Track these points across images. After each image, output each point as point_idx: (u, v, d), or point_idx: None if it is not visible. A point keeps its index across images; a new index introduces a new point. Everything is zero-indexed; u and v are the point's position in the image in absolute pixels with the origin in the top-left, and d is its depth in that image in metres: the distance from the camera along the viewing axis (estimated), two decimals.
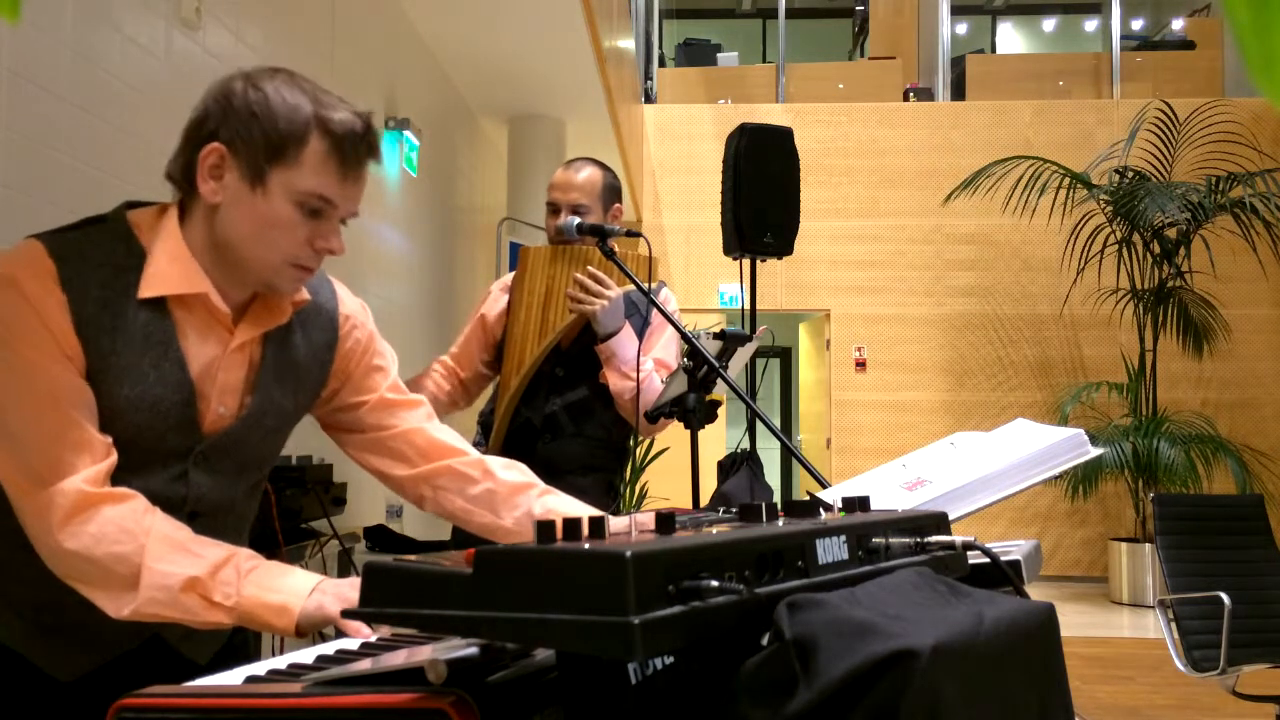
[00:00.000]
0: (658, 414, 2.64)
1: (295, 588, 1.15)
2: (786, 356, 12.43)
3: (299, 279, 1.28)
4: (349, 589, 1.13)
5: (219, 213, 1.24)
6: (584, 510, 1.44)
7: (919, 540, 0.92)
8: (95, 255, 1.22)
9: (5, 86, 2.18)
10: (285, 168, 1.21)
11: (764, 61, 11.73)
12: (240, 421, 1.32)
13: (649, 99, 9.48)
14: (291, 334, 1.36)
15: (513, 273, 2.69)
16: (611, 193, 2.65)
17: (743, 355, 2.74)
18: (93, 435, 1.18)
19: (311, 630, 1.12)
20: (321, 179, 1.22)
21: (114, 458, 1.20)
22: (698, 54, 10.08)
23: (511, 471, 1.50)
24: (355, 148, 1.24)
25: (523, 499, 1.47)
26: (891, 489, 1.33)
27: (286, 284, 1.28)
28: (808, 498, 1.04)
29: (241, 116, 1.21)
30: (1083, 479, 7.59)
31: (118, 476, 1.20)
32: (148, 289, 1.22)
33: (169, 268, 1.24)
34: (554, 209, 2.60)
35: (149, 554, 1.15)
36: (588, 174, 2.61)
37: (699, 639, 0.64)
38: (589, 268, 2.49)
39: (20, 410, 1.16)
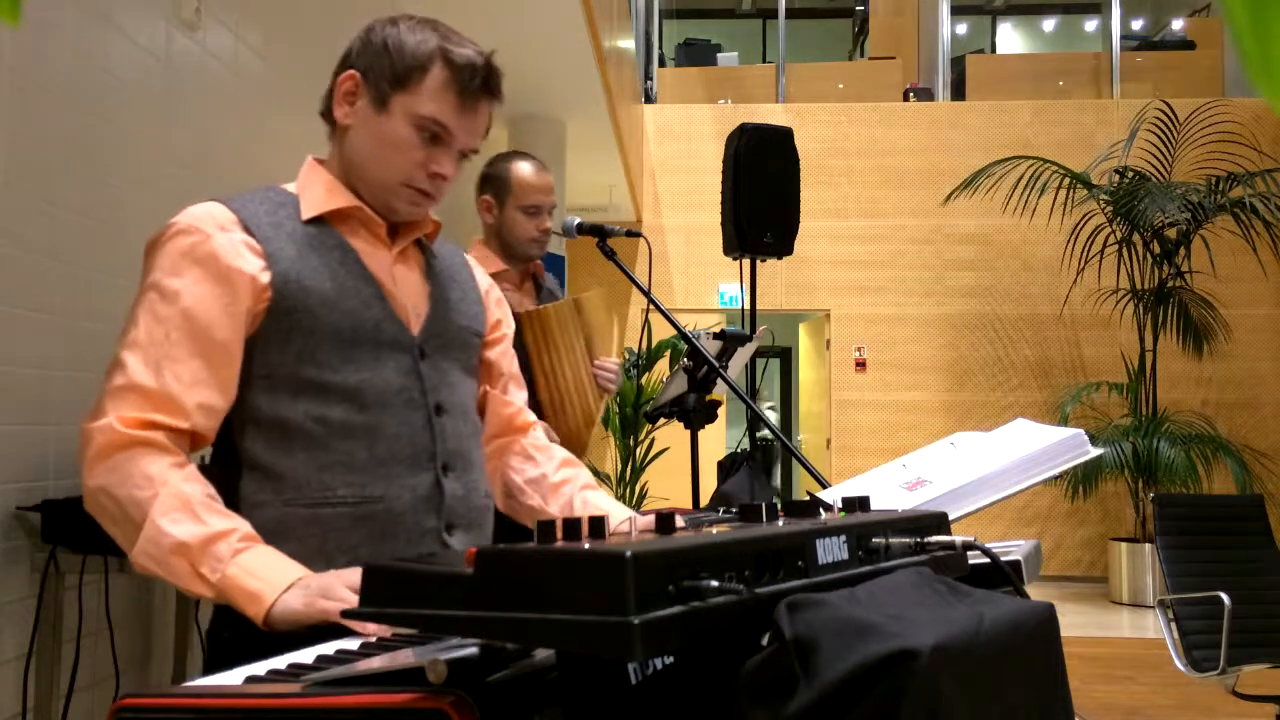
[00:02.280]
0: (658, 414, 2.64)
1: (275, 579, 1.15)
2: (786, 356, 12.43)
3: (414, 201, 1.37)
4: (333, 584, 1.12)
5: (348, 135, 1.37)
6: (620, 509, 1.48)
7: (919, 540, 0.92)
8: (258, 199, 1.35)
9: (5, 86, 2.18)
10: (407, 93, 1.33)
11: (764, 61, 11.73)
12: (435, 315, 1.41)
13: (649, 99, 9.48)
14: (442, 257, 1.49)
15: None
16: None
17: (743, 355, 2.74)
18: (177, 396, 1.22)
19: (282, 627, 1.12)
20: (439, 105, 1.33)
21: (189, 424, 1.23)
22: (698, 54, 10.08)
23: (563, 466, 1.58)
24: (473, 79, 1.34)
25: (567, 489, 1.54)
26: (891, 489, 1.34)
27: (403, 205, 1.38)
28: (808, 498, 1.04)
29: (376, 48, 1.35)
30: (1083, 479, 7.59)
31: (361, 374, 1.29)
32: (308, 211, 1.35)
33: (319, 192, 1.37)
34: (535, 211, 2.61)
35: (156, 506, 1.17)
36: (551, 174, 2.68)
37: (699, 639, 0.64)
38: (612, 361, 2.56)
39: (135, 348, 1.23)
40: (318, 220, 1.35)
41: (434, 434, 1.35)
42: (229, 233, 1.28)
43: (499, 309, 1.58)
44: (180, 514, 1.17)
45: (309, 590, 1.13)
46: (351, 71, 1.36)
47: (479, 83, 1.34)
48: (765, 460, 3.97)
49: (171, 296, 1.25)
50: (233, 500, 1.26)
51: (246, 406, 1.28)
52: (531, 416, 1.61)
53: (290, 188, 1.39)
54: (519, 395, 1.61)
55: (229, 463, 1.30)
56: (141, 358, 1.23)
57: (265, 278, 1.27)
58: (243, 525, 1.20)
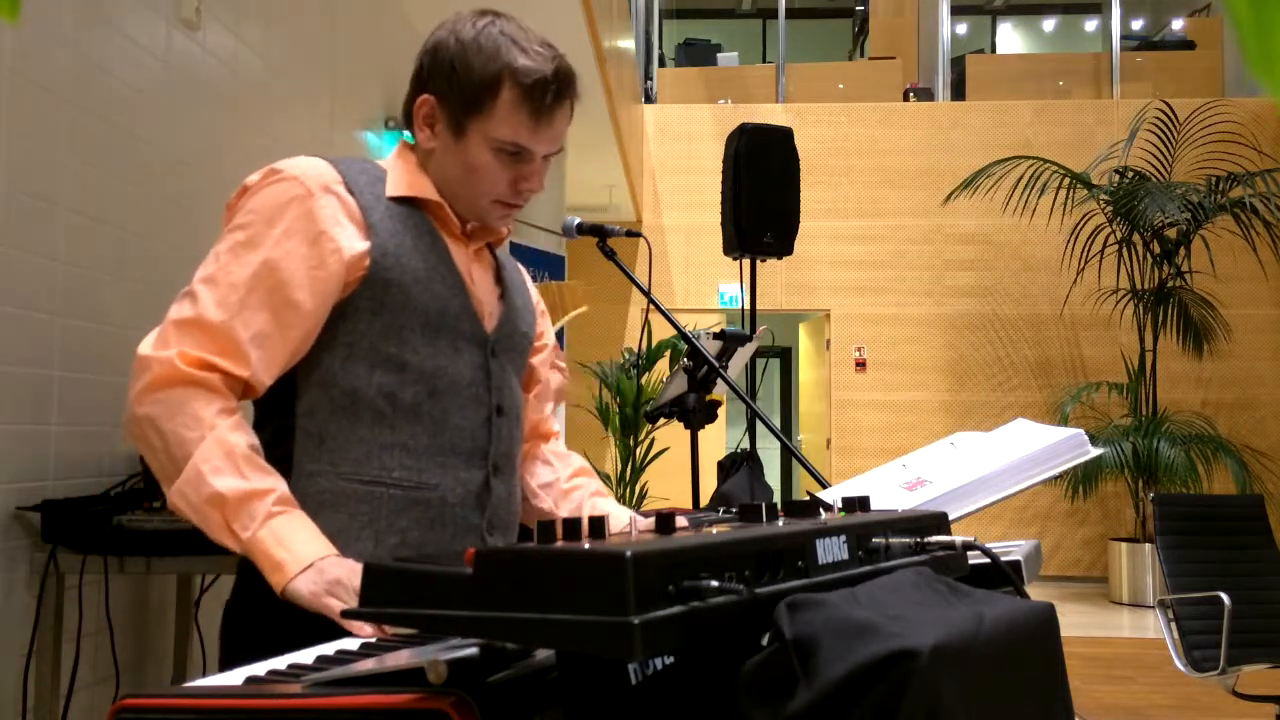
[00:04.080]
0: (658, 414, 2.64)
1: (301, 553, 1.16)
2: (786, 356, 12.42)
3: (506, 215, 1.40)
4: (347, 574, 1.13)
5: (433, 157, 1.37)
6: (627, 514, 1.48)
7: (919, 540, 0.92)
8: (357, 167, 1.35)
9: (5, 86, 2.18)
10: (481, 119, 1.31)
11: (764, 61, 11.73)
12: (505, 317, 1.42)
13: (649, 99, 9.48)
14: (505, 262, 1.51)
15: None
16: None
17: (743, 355, 2.74)
18: (242, 343, 1.22)
19: (292, 603, 1.13)
20: (514, 127, 1.31)
21: (247, 373, 1.23)
22: (698, 54, 10.08)
23: (576, 474, 1.59)
24: (544, 94, 1.31)
25: (577, 494, 1.56)
26: (891, 489, 1.33)
27: (494, 221, 1.40)
28: (808, 498, 1.04)
29: (444, 70, 1.32)
30: (1083, 479, 7.59)
31: (439, 360, 1.30)
32: (394, 190, 1.34)
33: (409, 177, 1.37)
34: None
35: (200, 450, 1.18)
36: None
37: (699, 639, 0.64)
38: None
39: (212, 284, 1.24)
40: (405, 200, 1.34)
41: (491, 433, 1.35)
42: (332, 194, 1.28)
43: (543, 320, 1.60)
44: (223, 463, 1.18)
45: (320, 578, 1.14)
46: (427, 96, 1.34)
47: (551, 95, 1.32)
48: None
49: (258, 242, 1.25)
50: (285, 465, 1.26)
51: (320, 371, 1.28)
52: (555, 425, 1.63)
53: (381, 163, 1.39)
54: (549, 405, 1.62)
55: (283, 426, 1.29)
56: (215, 296, 1.23)
57: (363, 246, 1.27)
58: (280, 486, 1.21)
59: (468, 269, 1.38)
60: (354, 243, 1.27)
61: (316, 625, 1.05)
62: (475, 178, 1.33)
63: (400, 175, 1.36)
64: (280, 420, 1.29)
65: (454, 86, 1.31)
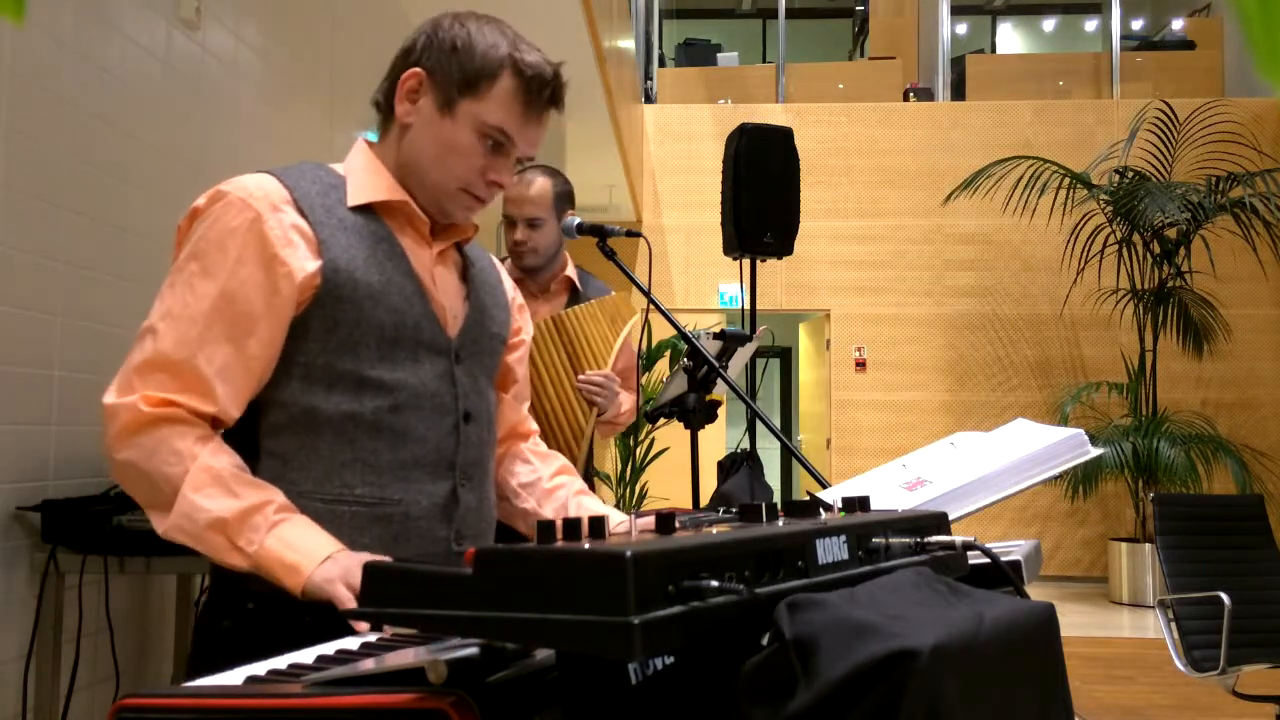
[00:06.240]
0: (658, 414, 2.64)
1: (312, 550, 1.16)
2: (786, 356, 12.43)
3: (470, 207, 1.37)
4: (359, 566, 1.13)
5: (408, 133, 1.34)
6: (615, 514, 1.47)
7: (919, 540, 0.92)
8: (309, 177, 1.32)
9: (6, 86, 2.18)
10: (475, 99, 1.31)
11: (764, 61, 11.73)
12: (471, 320, 1.40)
13: (649, 99, 9.48)
14: (476, 260, 1.49)
15: None
16: (564, 200, 2.69)
17: (743, 355, 2.74)
18: (207, 379, 1.21)
19: (314, 599, 1.13)
20: (505, 114, 1.31)
21: (214, 409, 1.22)
22: (698, 54, 10.08)
23: (559, 473, 1.58)
24: (541, 90, 1.33)
25: (561, 493, 1.54)
26: (891, 489, 1.33)
27: (458, 210, 1.37)
28: (808, 498, 1.04)
29: (443, 48, 1.32)
30: (1083, 479, 7.59)
31: (397, 373, 1.28)
32: (355, 198, 1.32)
33: (370, 180, 1.34)
34: (510, 222, 2.65)
35: (188, 481, 1.18)
36: (538, 187, 2.64)
37: (699, 639, 0.64)
38: (599, 373, 2.51)
39: (170, 320, 1.22)
40: (364, 208, 1.32)
41: (458, 442, 1.33)
42: (280, 213, 1.25)
43: (521, 316, 1.58)
44: (213, 489, 1.17)
45: (334, 568, 1.14)
46: (417, 70, 1.32)
47: (547, 94, 1.33)
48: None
49: (213, 272, 1.22)
50: None
51: (278, 392, 1.26)
52: (534, 424, 1.62)
53: (338, 168, 1.36)
54: (526, 403, 1.61)
55: (245, 447, 1.28)
56: (175, 333, 1.21)
57: (314, 265, 1.24)
58: (276, 496, 1.20)
59: (430, 273, 1.35)
60: (305, 263, 1.24)
61: (281, 642, 1.03)
62: (451, 157, 1.32)
63: (361, 180, 1.34)
64: (244, 441, 1.28)
65: (454, 64, 1.30)
